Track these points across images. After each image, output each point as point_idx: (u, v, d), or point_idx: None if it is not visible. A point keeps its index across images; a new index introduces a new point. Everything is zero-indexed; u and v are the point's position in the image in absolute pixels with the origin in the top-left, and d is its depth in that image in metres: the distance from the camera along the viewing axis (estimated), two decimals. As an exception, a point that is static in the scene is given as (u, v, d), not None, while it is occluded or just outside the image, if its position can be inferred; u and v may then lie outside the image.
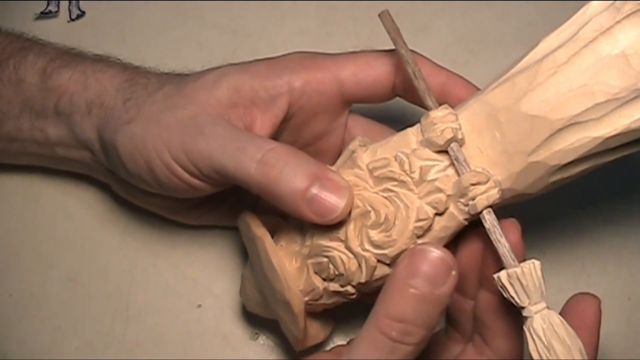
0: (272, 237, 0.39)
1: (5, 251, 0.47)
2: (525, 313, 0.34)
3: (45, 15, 0.55)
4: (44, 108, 0.44)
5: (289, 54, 0.43)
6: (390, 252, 0.36)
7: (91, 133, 0.43)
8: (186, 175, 0.39)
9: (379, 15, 0.39)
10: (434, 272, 0.33)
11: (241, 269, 0.47)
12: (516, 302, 0.34)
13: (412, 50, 0.39)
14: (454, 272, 0.33)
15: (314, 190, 0.36)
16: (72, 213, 0.48)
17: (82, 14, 0.55)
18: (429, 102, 0.37)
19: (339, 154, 0.41)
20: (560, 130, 0.35)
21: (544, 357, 0.33)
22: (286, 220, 0.41)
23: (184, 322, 0.46)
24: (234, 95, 0.40)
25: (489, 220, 0.35)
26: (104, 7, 0.55)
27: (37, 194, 0.49)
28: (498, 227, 0.35)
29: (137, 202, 0.46)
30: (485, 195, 0.35)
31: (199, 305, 0.47)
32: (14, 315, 0.46)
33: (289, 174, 0.37)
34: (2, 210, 0.48)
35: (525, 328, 0.34)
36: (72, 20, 0.55)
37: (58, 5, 0.55)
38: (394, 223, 0.36)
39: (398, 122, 0.43)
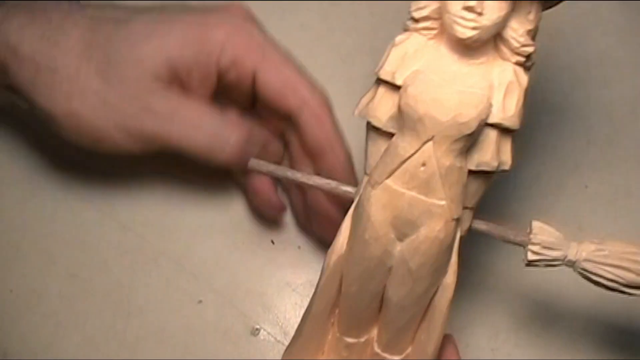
0: None
1: (5, 246, 0.47)
2: (568, 263, 0.35)
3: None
4: None
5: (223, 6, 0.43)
6: None
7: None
8: (138, 148, 0.41)
9: (248, 168, 0.41)
10: None
11: (241, 265, 0.47)
12: (556, 263, 0.35)
13: None
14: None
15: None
16: (73, 208, 0.48)
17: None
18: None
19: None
20: None
21: (610, 277, 0.35)
22: None
23: (184, 318, 0.46)
24: (172, 74, 0.41)
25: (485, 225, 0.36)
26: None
27: (37, 189, 0.49)
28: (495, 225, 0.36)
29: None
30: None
31: (200, 301, 0.47)
32: (15, 310, 0.46)
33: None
34: (2, 206, 0.48)
35: (579, 273, 0.35)
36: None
37: (58, 1, 0.55)
38: None
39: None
